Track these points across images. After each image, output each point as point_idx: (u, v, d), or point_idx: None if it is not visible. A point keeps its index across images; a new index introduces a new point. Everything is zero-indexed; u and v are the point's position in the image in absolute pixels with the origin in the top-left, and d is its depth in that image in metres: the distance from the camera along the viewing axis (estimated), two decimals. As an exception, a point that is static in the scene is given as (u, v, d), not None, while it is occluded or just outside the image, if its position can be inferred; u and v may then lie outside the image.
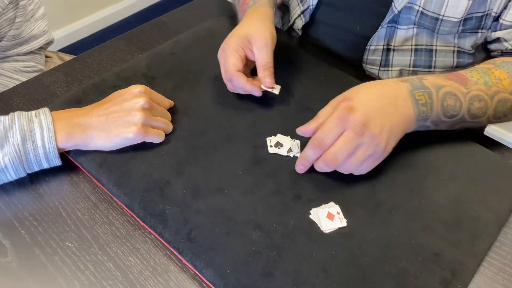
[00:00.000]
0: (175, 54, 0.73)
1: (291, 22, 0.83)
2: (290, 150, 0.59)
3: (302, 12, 0.80)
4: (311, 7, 0.78)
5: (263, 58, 0.63)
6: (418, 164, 0.59)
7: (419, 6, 0.66)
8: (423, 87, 0.56)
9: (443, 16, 0.65)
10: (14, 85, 0.74)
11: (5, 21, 0.81)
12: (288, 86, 0.68)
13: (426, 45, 0.70)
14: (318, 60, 0.74)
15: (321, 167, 0.54)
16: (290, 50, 0.76)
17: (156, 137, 0.59)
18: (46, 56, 0.95)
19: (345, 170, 0.54)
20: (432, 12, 0.65)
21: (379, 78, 0.76)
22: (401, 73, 0.74)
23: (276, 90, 0.63)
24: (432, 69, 0.72)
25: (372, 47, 0.73)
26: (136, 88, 0.59)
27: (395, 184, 0.56)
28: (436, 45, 0.70)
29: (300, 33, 0.82)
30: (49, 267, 0.49)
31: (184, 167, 0.57)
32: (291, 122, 0.63)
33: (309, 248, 0.50)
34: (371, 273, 0.48)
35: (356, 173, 0.55)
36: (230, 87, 0.65)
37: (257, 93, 0.63)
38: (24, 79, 0.83)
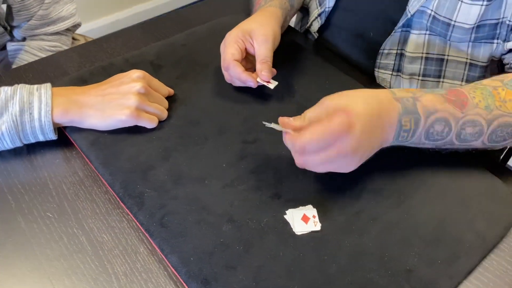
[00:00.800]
0: (186, 45, 0.75)
1: (308, 24, 0.82)
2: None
3: (319, 15, 0.79)
4: (327, 10, 0.77)
5: (262, 52, 0.63)
6: (409, 177, 0.57)
7: (431, 10, 0.64)
8: (414, 111, 0.51)
9: (455, 21, 0.63)
10: (35, 60, 0.78)
11: (35, 1, 0.85)
12: (290, 86, 0.68)
13: (437, 54, 0.68)
14: (328, 63, 0.73)
15: (286, 141, 0.50)
16: (302, 52, 0.75)
17: (149, 122, 0.60)
18: (74, 39, 0.99)
19: (300, 162, 0.50)
20: (444, 17, 0.63)
21: (390, 87, 0.74)
22: (411, 82, 0.72)
23: (272, 85, 0.63)
24: (441, 80, 0.70)
25: (386, 51, 0.72)
26: (135, 73, 0.61)
27: (381, 194, 0.55)
28: (448, 55, 0.68)
29: (316, 36, 0.82)
30: (27, 233, 0.51)
31: (170, 154, 0.58)
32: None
33: (277, 247, 0.49)
34: (335, 281, 0.47)
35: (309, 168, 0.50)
36: (227, 77, 0.66)
37: (253, 84, 0.63)
38: (48, 58, 0.87)
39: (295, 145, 0.49)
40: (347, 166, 0.50)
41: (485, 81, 0.58)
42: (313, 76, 0.70)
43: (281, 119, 0.51)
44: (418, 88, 0.56)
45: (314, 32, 0.82)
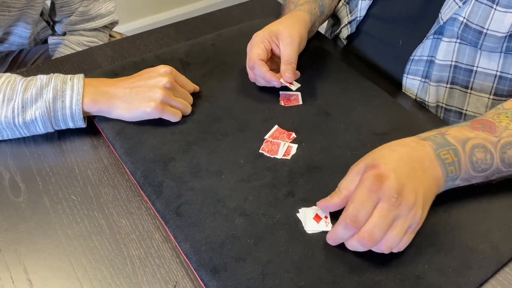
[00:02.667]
0: (215, 45, 0.77)
1: (337, 31, 0.83)
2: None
3: (349, 22, 0.80)
4: (358, 19, 0.78)
5: (287, 53, 0.64)
6: (465, 206, 0.56)
7: (464, 18, 0.63)
8: (447, 144, 0.51)
9: (487, 29, 0.62)
10: (72, 53, 0.82)
11: (77, -2, 0.90)
12: (313, 90, 0.69)
13: (466, 64, 0.67)
14: (353, 69, 0.74)
15: (354, 246, 0.47)
16: (328, 57, 0.76)
17: (173, 116, 0.62)
18: (111, 36, 1.04)
19: (383, 248, 0.46)
20: (476, 25, 0.63)
21: (416, 94, 0.73)
22: (438, 89, 0.71)
23: (294, 87, 0.65)
24: (468, 91, 0.69)
25: (416, 58, 0.71)
26: (163, 68, 0.63)
27: (395, 200, 0.54)
28: (477, 66, 0.67)
29: (345, 43, 0.82)
30: (51, 213, 0.54)
31: (191, 147, 0.60)
32: (305, 123, 0.64)
33: (287, 243, 0.50)
34: (342, 280, 0.47)
35: (396, 250, 0.47)
36: (252, 76, 0.67)
37: (276, 84, 0.65)
38: (85, 52, 0.92)
39: (363, 239, 0.45)
40: (414, 217, 0.46)
41: (506, 104, 0.57)
42: (337, 81, 0.71)
43: (319, 203, 0.51)
44: (440, 128, 0.54)
45: (344, 39, 0.82)
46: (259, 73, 0.65)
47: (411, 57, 0.72)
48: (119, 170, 0.59)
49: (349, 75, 0.72)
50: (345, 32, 0.81)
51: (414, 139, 0.52)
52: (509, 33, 0.61)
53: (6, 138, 0.61)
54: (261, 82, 0.67)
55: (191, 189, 0.55)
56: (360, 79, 0.71)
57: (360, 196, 0.46)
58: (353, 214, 0.46)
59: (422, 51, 0.70)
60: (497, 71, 0.66)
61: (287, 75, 0.64)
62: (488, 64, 0.66)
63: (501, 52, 0.64)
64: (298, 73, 0.66)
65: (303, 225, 0.52)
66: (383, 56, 0.77)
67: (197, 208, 0.53)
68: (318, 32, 0.85)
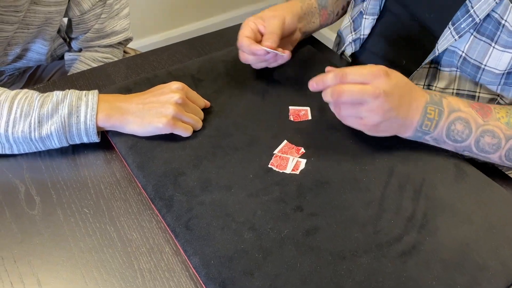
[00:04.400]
0: (225, 61, 0.78)
1: (342, 49, 0.84)
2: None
3: (353, 40, 0.81)
4: (362, 37, 0.79)
5: (269, 27, 0.69)
6: (434, 199, 0.56)
7: (463, 52, 0.64)
8: (439, 104, 0.58)
9: (485, 65, 0.63)
10: (87, 69, 0.84)
11: (93, 15, 0.93)
12: (322, 105, 0.70)
13: (468, 90, 0.68)
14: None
15: (326, 93, 0.57)
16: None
17: (184, 131, 0.63)
18: (125, 52, 1.06)
19: (336, 108, 0.57)
20: (474, 60, 0.63)
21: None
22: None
23: (285, 54, 0.69)
24: None
25: (414, 83, 0.72)
26: (175, 85, 0.65)
27: (403, 214, 0.55)
28: (479, 92, 0.67)
29: (349, 60, 0.83)
30: (64, 226, 0.56)
31: (201, 162, 0.61)
32: (313, 138, 0.64)
33: (295, 258, 0.50)
34: (350, 295, 0.47)
35: (339, 117, 0.58)
36: (242, 57, 0.71)
37: (262, 52, 0.68)
38: (100, 68, 0.94)
39: (334, 90, 0.55)
40: (374, 113, 0.55)
41: None
42: (346, 97, 0.72)
43: (327, 68, 0.59)
44: (447, 94, 0.59)
45: (348, 57, 0.83)
46: (245, 48, 0.68)
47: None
48: (131, 184, 0.61)
49: (358, 91, 0.73)
50: (349, 50, 0.82)
51: (421, 89, 0.59)
52: (506, 71, 0.62)
53: (22, 152, 0.63)
54: (250, 60, 0.70)
55: (201, 203, 0.56)
56: (369, 95, 0.72)
57: (362, 69, 0.55)
58: (346, 71, 0.55)
59: (418, 78, 0.71)
60: (498, 95, 0.67)
61: (267, 43, 0.68)
62: (489, 91, 0.67)
63: (498, 85, 0.65)
64: (287, 52, 0.70)
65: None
66: None
67: (206, 222, 0.54)
68: (326, 47, 0.86)
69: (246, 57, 0.71)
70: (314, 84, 0.58)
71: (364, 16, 0.77)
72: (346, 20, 0.85)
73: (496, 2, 0.59)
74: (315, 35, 0.87)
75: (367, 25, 0.77)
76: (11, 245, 0.54)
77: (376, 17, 0.76)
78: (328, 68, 0.58)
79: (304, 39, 0.83)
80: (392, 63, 0.76)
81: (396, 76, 0.56)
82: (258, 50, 0.68)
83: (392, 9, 0.74)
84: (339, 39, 0.89)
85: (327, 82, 0.57)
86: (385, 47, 0.77)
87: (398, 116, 0.57)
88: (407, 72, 0.72)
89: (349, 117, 0.57)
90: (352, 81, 0.55)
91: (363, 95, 0.54)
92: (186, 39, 0.88)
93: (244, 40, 0.69)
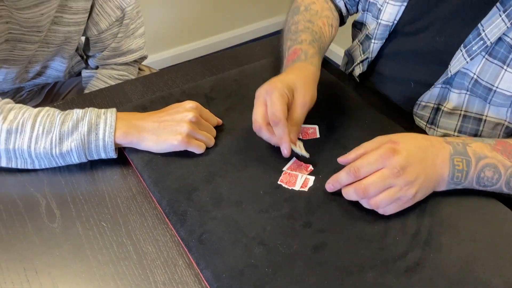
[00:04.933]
0: (237, 80, 0.81)
1: (350, 69, 0.86)
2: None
3: (361, 61, 0.83)
4: (369, 59, 0.81)
5: (297, 115, 0.63)
6: (439, 217, 0.58)
7: (474, 74, 0.66)
8: (464, 154, 0.58)
9: (496, 87, 0.64)
10: (105, 87, 0.88)
11: (110, 35, 0.97)
12: (330, 123, 0.72)
13: (476, 113, 0.69)
14: (369, 104, 0.77)
15: (349, 193, 0.57)
16: (344, 92, 0.80)
17: (197, 148, 0.66)
18: (140, 69, 1.10)
19: (371, 204, 0.56)
20: (486, 82, 0.65)
21: (426, 133, 0.76)
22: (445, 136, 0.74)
23: (302, 151, 0.64)
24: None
25: (423, 103, 0.74)
26: (189, 104, 0.68)
27: (408, 232, 0.56)
28: (486, 115, 0.69)
29: (357, 80, 0.86)
30: (83, 239, 0.58)
31: (213, 178, 0.63)
32: (322, 155, 0.67)
33: (304, 273, 0.52)
34: (356, 309, 0.49)
35: (380, 211, 0.57)
36: (266, 134, 0.62)
37: (286, 153, 0.62)
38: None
39: (357, 188, 0.55)
40: (405, 189, 0.55)
41: None
42: (353, 115, 0.74)
43: (339, 159, 0.60)
44: (467, 136, 0.59)
45: (356, 77, 0.85)
46: (281, 132, 0.61)
47: (418, 102, 0.74)
48: (147, 199, 0.63)
49: (364, 110, 0.75)
50: (357, 71, 0.85)
51: (439, 139, 0.60)
52: None
53: (43, 167, 0.66)
54: (269, 139, 0.63)
55: (213, 218, 0.58)
56: (375, 114, 0.74)
57: (370, 157, 0.56)
58: (357, 166, 0.56)
59: (429, 98, 0.72)
60: (505, 121, 0.68)
61: (291, 136, 0.62)
62: (497, 114, 0.68)
63: (509, 107, 0.66)
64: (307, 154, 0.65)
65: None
66: (396, 94, 0.80)
67: (218, 236, 0.56)
68: (335, 67, 0.89)
69: (269, 136, 0.63)
70: (331, 186, 0.59)
71: (373, 41, 0.79)
72: (354, 42, 0.87)
73: (507, 27, 0.60)
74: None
75: (375, 48, 0.79)
76: (32, 257, 0.56)
77: (384, 41, 0.78)
78: (340, 160, 0.60)
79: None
80: (400, 84, 0.78)
81: (405, 145, 0.56)
82: (285, 149, 0.61)
83: (401, 32, 0.77)
84: (347, 59, 0.92)
85: (342, 181, 0.58)
86: (393, 68, 0.79)
87: (427, 178, 0.57)
88: (416, 93, 0.75)
89: (389, 206, 0.56)
90: (367, 174, 0.55)
91: (385, 181, 0.55)
92: (197, 54, 0.91)
93: (283, 123, 0.60)
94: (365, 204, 0.57)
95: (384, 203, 0.56)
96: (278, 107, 0.60)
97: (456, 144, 0.59)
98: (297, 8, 0.82)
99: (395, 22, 0.75)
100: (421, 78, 0.74)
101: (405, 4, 0.74)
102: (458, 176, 0.58)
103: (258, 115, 0.62)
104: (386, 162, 0.55)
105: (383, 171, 0.55)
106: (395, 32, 0.77)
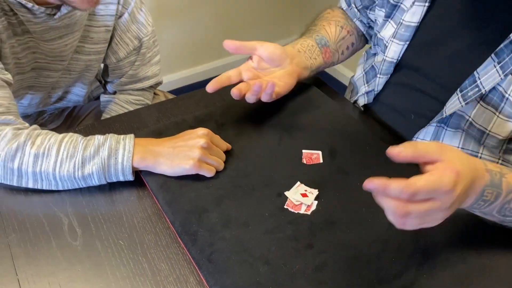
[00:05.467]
0: (245, 107, 0.87)
1: (355, 98, 0.91)
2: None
3: (366, 92, 0.88)
4: (375, 91, 0.86)
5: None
6: (434, 239, 0.62)
7: (469, 117, 0.69)
8: (498, 187, 0.55)
9: (489, 131, 0.68)
10: (122, 113, 0.94)
11: (127, 62, 1.03)
12: (333, 149, 0.77)
13: (472, 150, 0.72)
14: (371, 131, 0.81)
15: (388, 206, 0.50)
16: (348, 119, 0.84)
17: (208, 172, 0.71)
18: (155, 94, 1.16)
19: (398, 222, 0.51)
20: (480, 125, 0.68)
21: None
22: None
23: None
24: None
25: (419, 140, 0.77)
26: (201, 131, 0.73)
27: (404, 252, 0.60)
28: (481, 153, 0.72)
29: (362, 109, 0.90)
30: (102, 256, 0.63)
31: (223, 201, 0.68)
32: (324, 180, 0.71)
33: (305, 291, 0.56)
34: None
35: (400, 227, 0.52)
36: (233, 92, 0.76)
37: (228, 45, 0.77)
38: (132, 109, 1.04)
39: (398, 210, 0.49)
40: (436, 220, 0.52)
41: None
42: (356, 142, 0.79)
43: (390, 150, 0.51)
44: (505, 166, 0.59)
45: (361, 106, 0.90)
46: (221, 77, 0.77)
47: (414, 138, 0.77)
48: (161, 219, 0.68)
49: (366, 137, 0.80)
50: (361, 101, 0.89)
51: (482, 167, 0.55)
52: (509, 137, 0.67)
53: (66, 188, 0.72)
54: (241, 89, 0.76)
55: (222, 239, 0.63)
56: (376, 141, 0.79)
57: (434, 186, 0.48)
58: (417, 190, 0.47)
59: (424, 135, 0.75)
60: (499, 159, 0.71)
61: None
62: (491, 153, 0.71)
63: (501, 149, 0.69)
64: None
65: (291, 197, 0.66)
66: (398, 124, 0.84)
67: (226, 256, 0.60)
68: (340, 95, 0.94)
69: (238, 92, 0.75)
70: (374, 186, 0.50)
71: (378, 75, 0.84)
72: (359, 71, 0.92)
73: (501, 78, 0.64)
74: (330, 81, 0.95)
75: (381, 82, 0.84)
76: (56, 272, 0.61)
77: (389, 76, 0.83)
78: (390, 152, 0.51)
79: (318, 87, 0.91)
80: (402, 115, 0.82)
81: (463, 179, 0.50)
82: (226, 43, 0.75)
83: (404, 67, 0.81)
84: (352, 87, 0.96)
85: (390, 193, 0.49)
86: (395, 100, 0.84)
87: (458, 206, 0.53)
88: (416, 126, 0.78)
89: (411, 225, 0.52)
90: (420, 200, 0.49)
91: (429, 214, 0.50)
92: (209, 75, 0.96)
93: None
94: (391, 216, 0.51)
95: (411, 225, 0.51)
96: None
97: (494, 174, 0.55)
98: (314, 18, 0.94)
99: (399, 58, 0.80)
100: (422, 112, 0.78)
101: (408, 43, 0.78)
102: (481, 204, 0.55)
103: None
104: (443, 196, 0.49)
105: (433, 205, 0.49)
106: (399, 66, 0.82)
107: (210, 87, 0.75)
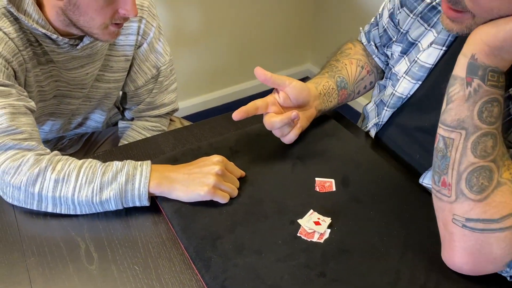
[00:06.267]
0: (259, 135, 0.88)
1: (366, 129, 0.92)
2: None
3: (375, 124, 0.89)
4: (380, 123, 0.87)
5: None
6: (446, 271, 0.62)
7: None
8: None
9: None
10: (140, 139, 0.97)
11: (145, 90, 1.06)
12: (346, 178, 0.78)
13: None
14: (383, 160, 0.82)
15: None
16: (361, 148, 0.85)
17: (222, 199, 0.72)
18: (171, 120, 1.19)
19: None
20: None
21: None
22: None
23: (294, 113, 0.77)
24: None
25: (424, 184, 0.75)
26: (216, 158, 0.75)
27: (416, 282, 0.60)
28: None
29: (373, 138, 0.91)
30: (117, 281, 0.64)
31: (236, 227, 0.69)
32: (337, 208, 0.72)
33: (317, 319, 0.56)
34: None
35: None
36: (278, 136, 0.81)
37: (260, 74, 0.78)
38: (149, 135, 1.06)
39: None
40: None
41: None
42: (368, 170, 0.79)
43: None
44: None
45: (372, 137, 0.91)
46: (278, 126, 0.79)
47: (420, 181, 0.75)
48: (175, 245, 0.69)
49: (379, 166, 0.81)
50: (372, 131, 0.90)
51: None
52: None
53: (83, 213, 0.74)
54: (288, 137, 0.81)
55: (235, 266, 0.63)
56: (389, 170, 0.80)
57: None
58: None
59: (428, 179, 0.74)
60: None
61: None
62: None
63: None
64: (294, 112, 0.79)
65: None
66: (403, 161, 0.84)
67: (239, 283, 0.61)
68: (351, 122, 0.95)
69: (271, 124, 0.79)
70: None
71: (385, 108, 0.85)
72: (371, 103, 0.94)
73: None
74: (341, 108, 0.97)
75: (386, 115, 0.85)
76: (72, 296, 0.63)
77: (395, 109, 0.84)
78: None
79: (331, 115, 0.93)
80: (406, 154, 0.83)
81: None
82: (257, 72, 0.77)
83: (411, 106, 0.82)
84: (364, 117, 0.98)
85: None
86: (401, 138, 0.84)
87: None
88: (421, 166, 0.78)
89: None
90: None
91: None
92: (222, 101, 0.98)
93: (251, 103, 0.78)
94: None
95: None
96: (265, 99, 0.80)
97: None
98: (335, 52, 0.96)
99: (409, 95, 0.81)
100: (425, 154, 0.78)
101: (420, 83, 0.79)
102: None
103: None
104: None
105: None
106: (407, 105, 0.82)
107: (237, 116, 0.76)
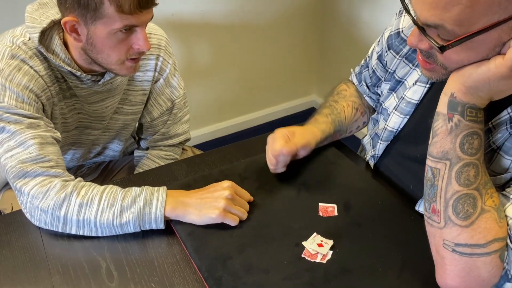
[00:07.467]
0: (267, 163, 0.95)
1: (366, 159, 0.98)
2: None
3: (372, 156, 0.95)
4: (376, 155, 0.93)
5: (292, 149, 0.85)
6: (441, 290, 0.66)
7: None
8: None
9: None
10: (154, 167, 1.03)
11: (160, 122, 1.14)
12: (347, 203, 0.83)
13: None
14: (383, 187, 0.87)
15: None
16: (362, 175, 0.91)
17: (232, 221, 0.78)
18: (183, 149, 1.26)
19: None
20: None
21: None
22: None
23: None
24: None
25: (420, 210, 0.80)
26: (226, 183, 0.81)
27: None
28: None
29: (372, 168, 0.96)
30: (135, 297, 0.70)
31: (245, 248, 0.75)
32: (339, 231, 0.77)
33: (320, 333, 0.61)
34: None
35: None
36: (273, 164, 0.87)
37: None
38: (162, 164, 1.13)
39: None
40: None
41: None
42: (368, 196, 0.85)
43: None
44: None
45: (372, 167, 0.96)
46: (282, 161, 0.85)
47: (416, 208, 0.80)
48: (188, 265, 0.75)
49: (378, 192, 0.86)
50: (371, 162, 0.96)
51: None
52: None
53: (104, 235, 0.80)
54: (280, 169, 0.87)
55: (244, 284, 0.69)
56: (387, 196, 0.85)
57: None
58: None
59: (423, 208, 0.75)
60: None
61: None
62: None
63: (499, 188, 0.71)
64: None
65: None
66: (399, 190, 0.89)
67: (248, 299, 0.66)
68: (351, 151, 1.01)
69: (276, 167, 0.86)
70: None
71: (379, 141, 0.91)
72: (367, 136, 1.00)
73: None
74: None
75: (381, 148, 0.91)
76: (94, 311, 0.68)
77: (389, 142, 0.89)
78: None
79: (333, 144, 0.99)
80: (402, 182, 0.88)
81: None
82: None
83: (403, 139, 0.87)
84: (362, 148, 1.04)
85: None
86: (396, 168, 0.90)
87: None
88: (415, 196, 0.82)
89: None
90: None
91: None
92: (232, 130, 1.04)
93: (282, 154, 0.85)
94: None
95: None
96: (278, 144, 0.86)
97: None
98: (332, 92, 1.03)
99: (399, 129, 0.87)
100: (418, 183, 0.79)
101: (408, 117, 0.85)
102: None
103: (277, 146, 0.86)
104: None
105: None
106: (399, 138, 0.88)
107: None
